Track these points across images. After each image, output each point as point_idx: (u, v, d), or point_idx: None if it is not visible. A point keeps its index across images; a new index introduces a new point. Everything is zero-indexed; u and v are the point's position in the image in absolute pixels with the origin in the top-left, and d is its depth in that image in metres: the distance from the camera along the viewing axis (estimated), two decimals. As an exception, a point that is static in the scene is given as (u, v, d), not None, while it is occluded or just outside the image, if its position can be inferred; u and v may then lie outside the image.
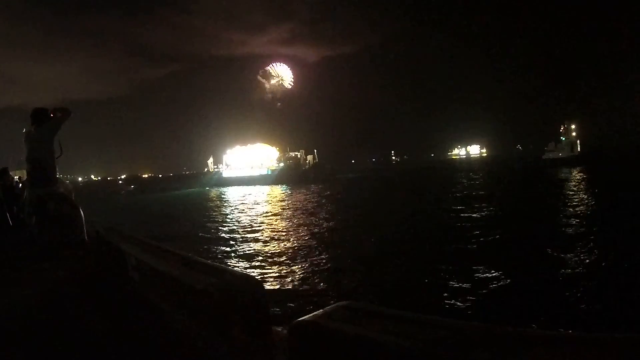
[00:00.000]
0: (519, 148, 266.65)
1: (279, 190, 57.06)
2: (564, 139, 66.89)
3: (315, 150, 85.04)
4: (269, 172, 76.89)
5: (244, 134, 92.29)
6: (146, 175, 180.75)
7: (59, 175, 5.46)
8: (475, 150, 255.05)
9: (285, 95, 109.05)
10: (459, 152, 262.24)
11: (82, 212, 5.18)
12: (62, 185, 5.48)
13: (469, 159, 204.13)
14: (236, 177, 79.49)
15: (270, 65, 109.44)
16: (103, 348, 2.50)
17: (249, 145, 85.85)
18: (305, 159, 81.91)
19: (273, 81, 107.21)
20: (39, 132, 5.10)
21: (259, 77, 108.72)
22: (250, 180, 74.27)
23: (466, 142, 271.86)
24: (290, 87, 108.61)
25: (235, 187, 70.33)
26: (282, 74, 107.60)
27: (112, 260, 3.86)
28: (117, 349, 2.47)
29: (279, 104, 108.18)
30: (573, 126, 67.86)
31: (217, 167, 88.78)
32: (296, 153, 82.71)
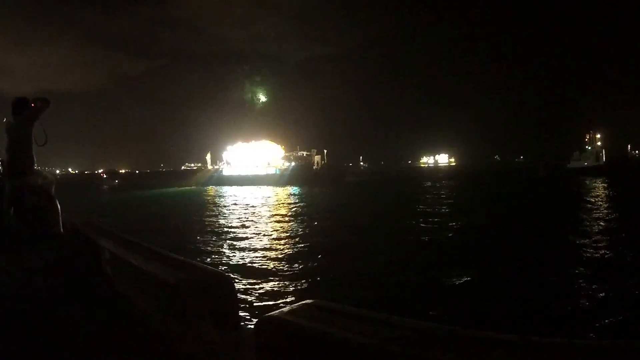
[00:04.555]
0: (496, 158, 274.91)
1: (293, 192, 52.24)
2: (589, 147, 67.16)
3: (325, 151, 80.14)
4: (277, 172, 71.51)
5: (237, 132, 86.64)
6: (123, 171, 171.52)
7: (38, 167, 5.36)
8: (444, 159, 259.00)
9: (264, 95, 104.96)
10: (427, 160, 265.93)
11: (58, 205, 5.16)
12: (41, 177, 5.31)
13: (437, 167, 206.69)
14: (239, 175, 73.40)
15: None
16: (74, 339, 2.52)
17: (252, 142, 79.92)
18: (314, 159, 77.01)
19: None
20: (19, 122, 5.05)
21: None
22: (256, 180, 68.61)
23: (434, 151, 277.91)
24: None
25: (240, 186, 64.70)
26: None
27: (86, 253, 3.76)
28: (87, 340, 2.48)
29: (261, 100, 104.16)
30: (598, 135, 68.00)
31: (216, 165, 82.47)
32: (306, 152, 77.57)
